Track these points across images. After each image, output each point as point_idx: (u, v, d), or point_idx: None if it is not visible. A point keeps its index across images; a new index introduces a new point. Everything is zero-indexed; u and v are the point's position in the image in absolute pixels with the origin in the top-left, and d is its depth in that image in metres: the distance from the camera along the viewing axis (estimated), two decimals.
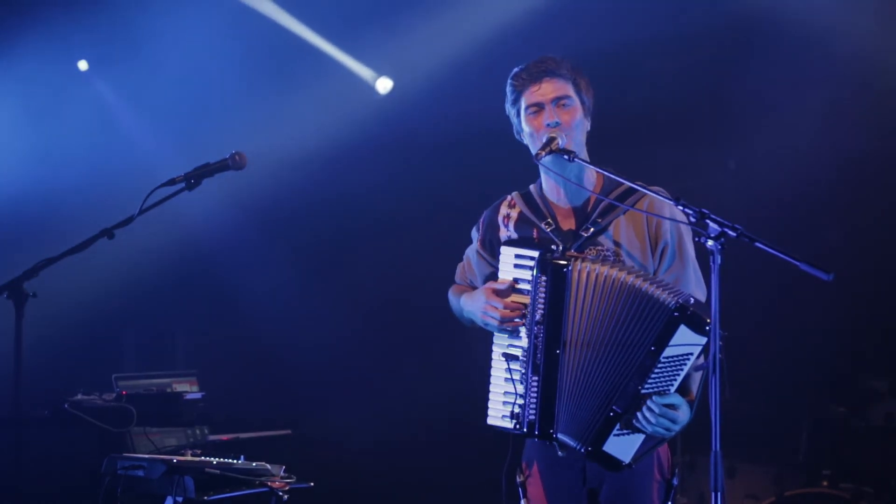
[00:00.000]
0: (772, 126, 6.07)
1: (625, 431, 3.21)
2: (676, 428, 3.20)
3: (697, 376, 3.23)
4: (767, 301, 5.82)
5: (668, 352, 3.14)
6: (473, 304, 3.43)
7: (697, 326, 3.10)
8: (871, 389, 5.83)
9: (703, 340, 3.09)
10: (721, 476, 2.85)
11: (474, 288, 3.58)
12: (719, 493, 2.84)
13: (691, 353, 3.14)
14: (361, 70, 6.82)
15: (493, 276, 3.46)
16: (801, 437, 5.78)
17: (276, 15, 6.57)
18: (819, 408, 5.80)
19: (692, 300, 3.15)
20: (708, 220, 2.98)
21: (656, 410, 3.16)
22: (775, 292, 5.53)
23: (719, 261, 2.93)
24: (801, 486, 5.58)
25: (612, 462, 3.24)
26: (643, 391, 3.17)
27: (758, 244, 2.97)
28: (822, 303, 5.57)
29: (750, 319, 5.70)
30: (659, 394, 3.16)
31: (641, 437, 3.23)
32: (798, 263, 2.91)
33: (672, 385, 3.18)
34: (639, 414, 3.17)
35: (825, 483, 5.53)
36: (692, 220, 3.03)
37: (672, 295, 3.15)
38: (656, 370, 3.15)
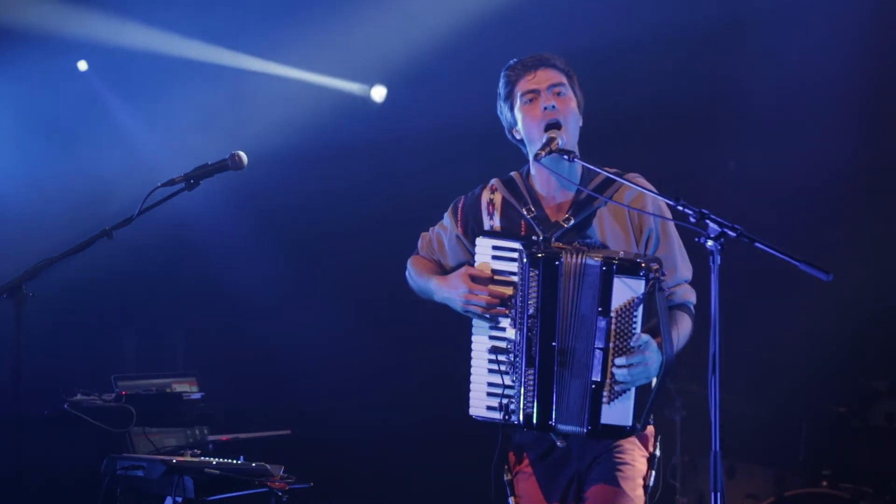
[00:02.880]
0: (772, 126, 6.07)
1: (612, 396, 3.21)
2: (654, 367, 3.18)
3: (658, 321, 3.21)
4: (767, 301, 5.82)
5: (613, 305, 3.18)
6: (450, 290, 3.42)
7: (627, 271, 3.15)
8: (871, 389, 5.84)
9: (641, 282, 3.14)
10: (721, 476, 2.85)
11: (440, 265, 3.60)
12: (719, 494, 2.84)
13: (637, 296, 3.16)
14: (354, 87, 6.86)
15: (470, 263, 3.46)
16: (801, 437, 5.78)
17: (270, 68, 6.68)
18: (819, 408, 5.80)
19: (622, 254, 3.23)
20: (708, 221, 2.98)
21: (624, 363, 3.17)
22: (775, 292, 5.53)
23: (719, 261, 2.93)
24: (801, 486, 5.58)
25: (616, 431, 3.24)
26: (610, 351, 3.18)
27: (757, 244, 2.97)
28: (821, 303, 5.57)
29: (750, 320, 5.70)
30: (624, 348, 3.17)
31: (631, 394, 3.22)
32: (798, 263, 2.90)
33: (631, 333, 3.18)
34: (614, 372, 3.18)
35: (825, 483, 5.53)
36: (692, 220, 3.03)
37: (598, 256, 3.20)
38: (613, 327, 3.18)
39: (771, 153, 6.11)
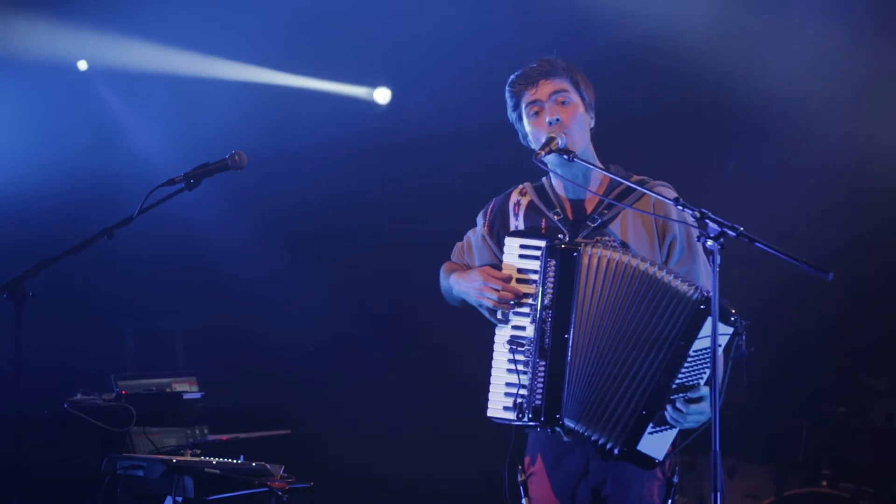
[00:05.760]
0: (772, 126, 6.07)
1: (658, 429, 3.21)
2: (704, 419, 3.19)
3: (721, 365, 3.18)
4: (767, 301, 5.81)
5: (696, 345, 3.15)
6: (468, 283, 3.42)
7: (724, 317, 3.09)
8: (871, 389, 5.84)
9: (730, 330, 3.08)
10: (721, 476, 2.85)
11: (468, 269, 3.58)
12: (719, 493, 2.85)
13: (719, 345, 3.11)
14: (357, 90, 6.86)
15: (496, 265, 3.46)
16: (800, 437, 5.78)
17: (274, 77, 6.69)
18: (819, 408, 5.80)
19: (708, 293, 3.17)
20: (707, 220, 2.98)
21: (684, 409, 3.17)
22: (775, 292, 5.53)
23: (719, 260, 2.93)
24: (801, 486, 5.58)
25: (646, 460, 3.24)
26: (673, 386, 3.17)
27: (757, 244, 2.97)
28: (821, 302, 5.57)
29: (749, 320, 5.69)
30: (688, 388, 3.17)
31: (674, 432, 3.23)
32: (798, 263, 2.91)
33: (701, 378, 3.18)
34: (669, 411, 3.18)
35: (825, 483, 5.53)
36: (692, 220, 3.03)
37: (691, 287, 3.18)
38: (686, 365, 3.16)
39: (771, 153, 6.11)
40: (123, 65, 6.54)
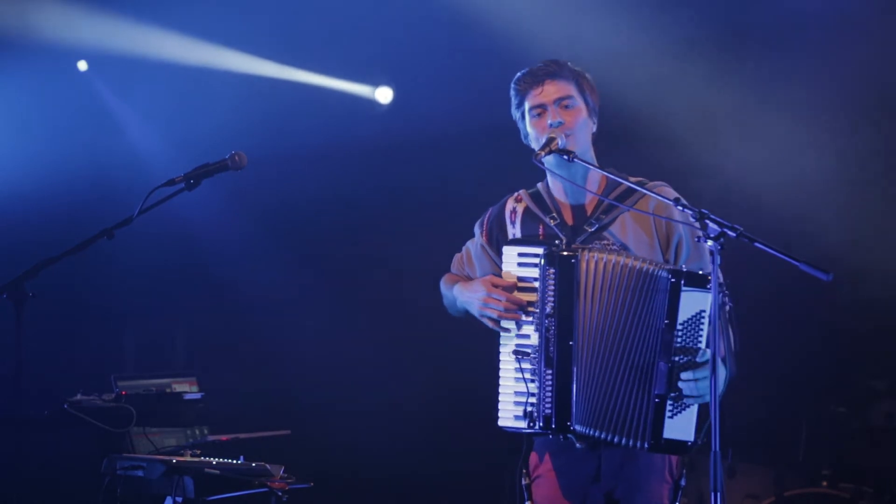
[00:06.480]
0: (771, 125, 6.07)
1: (677, 410, 3.19)
2: (720, 382, 3.13)
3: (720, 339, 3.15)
4: (767, 301, 5.82)
5: (681, 317, 3.15)
6: (471, 295, 3.42)
7: (697, 283, 3.12)
8: (871, 389, 5.83)
9: (708, 295, 3.08)
10: (721, 476, 2.85)
11: (469, 280, 3.58)
12: (719, 494, 2.84)
13: (703, 310, 3.14)
14: (359, 88, 6.86)
15: (497, 274, 3.45)
16: (800, 437, 5.78)
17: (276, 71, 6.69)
18: (819, 408, 5.80)
19: (684, 267, 3.21)
20: (707, 221, 2.98)
21: (692, 377, 3.15)
22: (775, 293, 5.53)
23: (719, 261, 2.93)
24: (801, 486, 5.58)
25: (678, 446, 3.21)
26: (676, 365, 3.17)
27: (757, 244, 2.97)
28: (821, 303, 5.56)
29: (749, 320, 5.69)
30: (690, 358, 3.16)
31: (695, 408, 3.20)
32: (798, 264, 2.91)
33: (700, 343, 3.17)
34: (681, 386, 3.16)
35: (825, 483, 5.53)
36: (692, 220, 3.04)
37: (662, 266, 3.20)
38: (678, 340, 3.16)
39: (771, 154, 6.11)
40: (123, 57, 6.52)
